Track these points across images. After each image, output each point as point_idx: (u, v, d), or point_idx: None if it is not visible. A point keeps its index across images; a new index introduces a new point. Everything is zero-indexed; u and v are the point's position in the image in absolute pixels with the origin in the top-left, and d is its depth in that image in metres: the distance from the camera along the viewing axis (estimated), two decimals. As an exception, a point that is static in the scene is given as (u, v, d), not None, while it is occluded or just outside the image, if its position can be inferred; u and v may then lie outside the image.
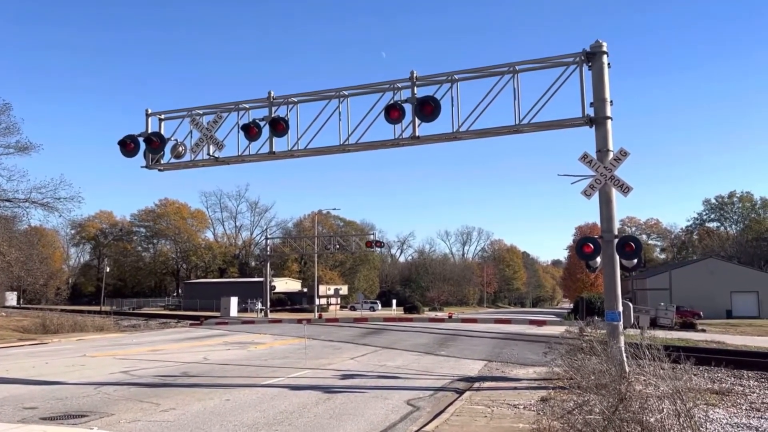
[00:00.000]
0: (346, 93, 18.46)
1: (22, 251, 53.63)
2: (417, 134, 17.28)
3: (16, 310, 70.89)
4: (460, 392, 14.83)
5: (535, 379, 16.67)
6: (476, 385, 15.93)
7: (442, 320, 46.84)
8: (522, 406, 12.55)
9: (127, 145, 19.41)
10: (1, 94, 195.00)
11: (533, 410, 12.06)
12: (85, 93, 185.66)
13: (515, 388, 15.18)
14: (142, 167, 20.04)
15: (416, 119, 17.06)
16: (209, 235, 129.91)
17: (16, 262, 52.84)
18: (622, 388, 7.27)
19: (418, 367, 20.19)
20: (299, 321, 43.84)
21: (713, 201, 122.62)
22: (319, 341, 29.63)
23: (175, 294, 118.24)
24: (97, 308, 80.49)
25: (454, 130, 17.13)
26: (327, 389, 15.09)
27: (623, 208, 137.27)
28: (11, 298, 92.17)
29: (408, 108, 16.99)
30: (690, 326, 43.53)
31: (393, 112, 16.95)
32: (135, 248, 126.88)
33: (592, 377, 8.46)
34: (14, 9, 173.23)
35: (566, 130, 17.54)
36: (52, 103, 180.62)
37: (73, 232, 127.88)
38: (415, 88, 17.21)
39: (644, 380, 7.84)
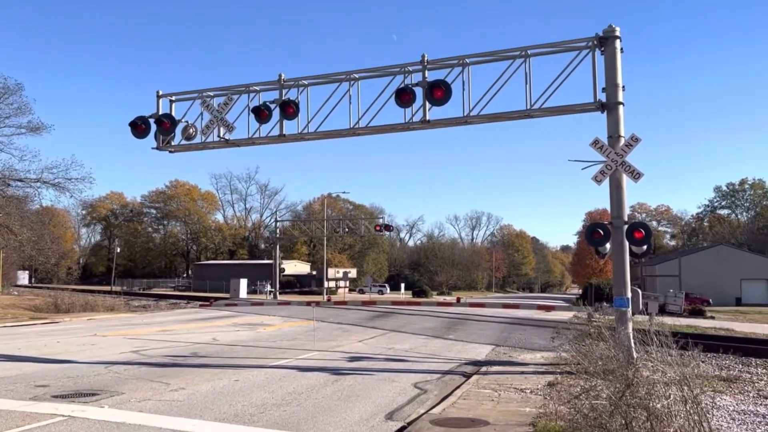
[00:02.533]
0: (356, 76, 18.38)
1: (33, 231, 54.12)
2: (427, 118, 17.19)
3: (27, 289, 71.61)
4: (468, 376, 14.90)
5: (543, 364, 16.72)
6: (483, 369, 16.00)
7: (450, 304, 46.93)
8: (529, 391, 12.61)
9: (138, 127, 19.43)
10: (12, 72, 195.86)
11: (540, 395, 12.12)
12: (97, 72, 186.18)
13: (522, 373, 15.24)
14: (152, 149, 20.07)
15: (427, 103, 16.97)
16: (219, 217, 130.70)
17: (27, 241, 53.34)
18: (629, 374, 7.29)
19: (426, 350, 20.28)
20: (308, 303, 44.07)
21: (724, 188, 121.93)
22: (328, 324, 29.79)
23: (185, 275, 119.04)
24: (107, 288, 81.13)
25: (465, 114, 17.04)
26: (335, 371, 15.20)
27: (633, 195, 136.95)
28: (23, 277, 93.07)
29: (419, 92, 16.90)
30: (699, 313, 43.48)
31: (404, 96, 16.86)
32: (145, 229, 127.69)
33: (600, 363, 8.47)
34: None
35: (578, 115, 17.51)
36: (64, 81, 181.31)
37: (84, 212, 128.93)
38: (426, 71, 17.11)
39: (652, 366, 7.84)
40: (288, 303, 48.75)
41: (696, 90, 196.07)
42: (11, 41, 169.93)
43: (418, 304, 50.55)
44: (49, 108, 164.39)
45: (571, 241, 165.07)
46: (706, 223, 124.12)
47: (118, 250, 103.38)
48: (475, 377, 14.54)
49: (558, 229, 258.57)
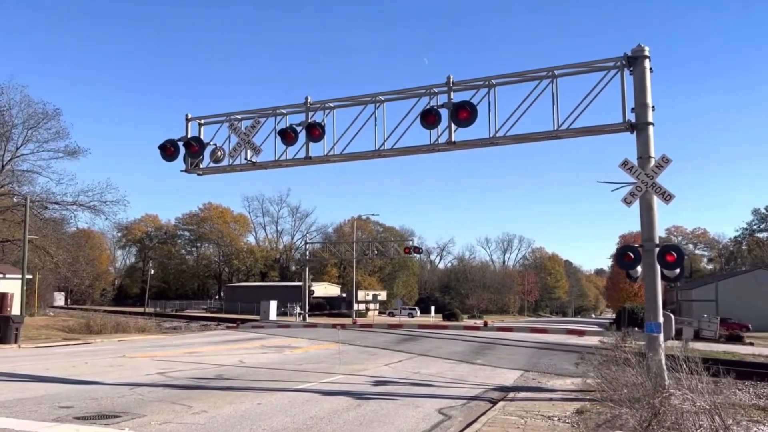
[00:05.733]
0: (382, 98, 18.38)
1: (69, 253, 55.15)
2: (453, 139, 17.08)
3: (63, 311, 72.69)
4: (494, 402, 14.58)
5: (572, 391, 16.29)
6: (510, 395, 15.65)
7: (477, 328, 46.41)
8: (556, 418, 12.25)
9: (167, 150, 19.68)
10: (50, 96, 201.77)
11: (568, 422, 11.76)
12: (130, 95, 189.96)
13: (550, 399, 14.86)
14: (181, 171, 20.27)
15: (452, 124, 16.87)
16: (251, 239, 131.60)
17: (63, 263, 54.32)
18: (656, 402, 7.00)
19: (453, 375, 19.96)
20: (334, 326, 43.91)
21: (763, 211, 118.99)
22: (355, 347, 29.58)
23: (217, 297, 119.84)
24: (141, 309, 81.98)
25: (491, 136, 16.88)
26: (359, 395, 15.00)
27: (669, 217, 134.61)
28: (59, 299, 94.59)
29: (444, 113, 16.81)
30: (737, 339, 42.23)
31: (429, 117, 16.80)
32: (179, 251, 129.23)
33: (625, 390, 8.18)
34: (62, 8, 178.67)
35: (607, 136, 17.17)
36: (101, 103, 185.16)
37: (119, 234, 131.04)
38: (452, 93, 17.02)
39: (680, 395, 7.53)
40: (314, 325, 48.64)
41: (734, 110, 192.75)
42: (47, 64, 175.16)
43: (446, 327, 50.06)
44: (85, 129, 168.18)
45: (605, 264, 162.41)
46: (744, 247, 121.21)
47: (152, 271, 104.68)
48: (501, 403, 14.21)
49: (591, 252, 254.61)
